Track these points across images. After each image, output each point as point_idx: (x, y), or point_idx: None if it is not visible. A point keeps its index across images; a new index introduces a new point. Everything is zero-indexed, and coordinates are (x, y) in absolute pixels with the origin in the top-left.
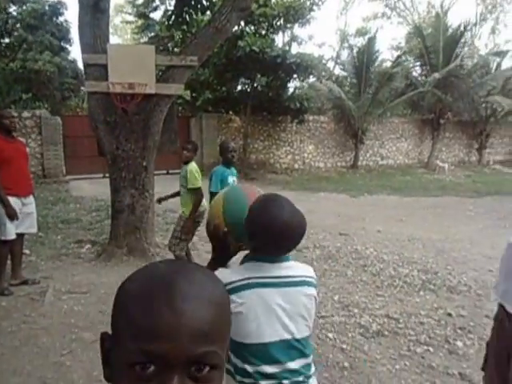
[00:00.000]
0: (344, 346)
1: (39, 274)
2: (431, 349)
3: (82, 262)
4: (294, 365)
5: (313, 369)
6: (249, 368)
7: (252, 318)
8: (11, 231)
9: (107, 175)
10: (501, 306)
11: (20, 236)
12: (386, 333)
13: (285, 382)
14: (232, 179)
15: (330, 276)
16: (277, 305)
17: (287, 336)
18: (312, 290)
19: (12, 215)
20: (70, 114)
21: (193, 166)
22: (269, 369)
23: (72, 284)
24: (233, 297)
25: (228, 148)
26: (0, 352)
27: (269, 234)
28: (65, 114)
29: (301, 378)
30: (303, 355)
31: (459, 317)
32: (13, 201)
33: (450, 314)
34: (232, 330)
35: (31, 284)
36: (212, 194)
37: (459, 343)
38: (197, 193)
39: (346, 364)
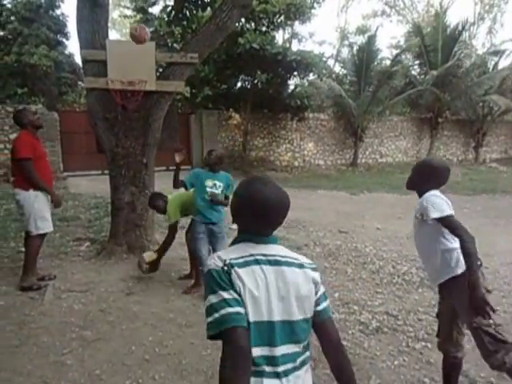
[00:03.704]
0: (344, 343)
1: (38, 271)
2: (429, 345)
3: (81, 260)
4: (285, 349)
5: (307, 354)
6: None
7: (255, 295)
8: (49, 224)
9: (106, 172)
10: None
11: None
12: (386, 329)
13: (278, 367)
14: (212, 183)
15: (330, 274)
16: (274, 283)
17: (281, 317)
18: (310, 273)
19: (59, 202)
20: (67, 110)
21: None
22: (258, 351)
23: (71, 282)
24: (237, 270)
25: (209, 152)
26: (0, 351)
27: (251, 209)
28: (62, 110)
29: (292, 365)
30: (296, 340)
31: None
32: (43, 196)
33: None
34: None
35: (48, 280)
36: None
37: None
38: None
39: None
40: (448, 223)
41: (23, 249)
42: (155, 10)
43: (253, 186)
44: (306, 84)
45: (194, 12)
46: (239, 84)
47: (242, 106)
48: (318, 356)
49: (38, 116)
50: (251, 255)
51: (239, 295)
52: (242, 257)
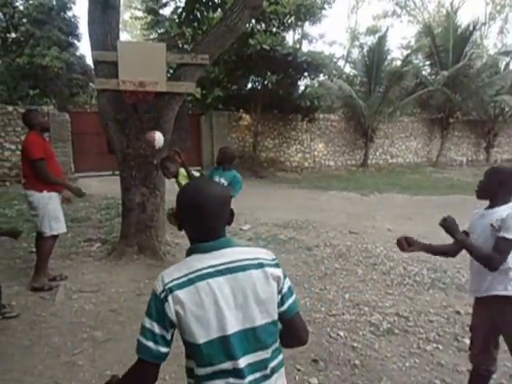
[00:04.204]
0: (355, 344)
1: (49, 272)
2: (440, 346)
3: (92, 261)
4: (250, 358)
5: (280, 358)
6: (203, 371)
7: (199, 315)
8: (63, 225)
9: (116, 173)
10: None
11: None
12: (397, 331)
13: (245, 378)
14: (218, 180)
15: (341, 274)
16: (224, 295)
17: (239, 327)
18: (270, 270)
19: (81, 193)
20: (78, 111)
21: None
22: (225, 366)
23: (82, 283)
24: (177, 293)
25: (219, 150)
26: (11, 352)
27: (185, 213)
28: (73, 111)
29: (262, 373)
30: (263, 347)
31: (468, 315)
32: (54, 196)
33: (458, 312)
34: (184, 331)
35: (59, 280)
36: None
37: (468, 341)
38: None
39: (357, 362)
40: None
41: (35, 249)
42: (166, 11)
43: (183, 190)
44: (317, 85)
45: (205, 13)
46: (249, 85)
47: (253, 106)
48: (328, 356)
49: (46, 119)
50: (197, 270)
51: (172, 325)
52: (186, 275)
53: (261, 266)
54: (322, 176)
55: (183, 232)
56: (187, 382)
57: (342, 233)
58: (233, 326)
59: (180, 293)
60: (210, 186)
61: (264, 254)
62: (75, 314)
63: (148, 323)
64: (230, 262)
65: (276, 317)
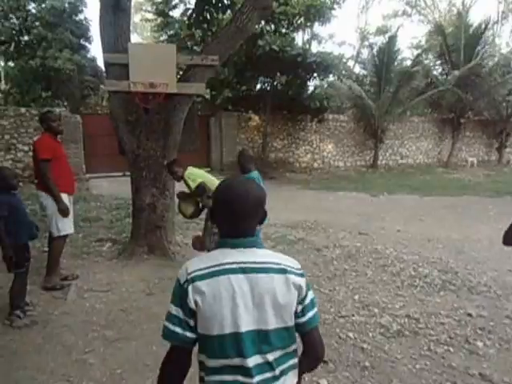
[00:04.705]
0: (365, 346)
1: (61, 271)
2: (452, 349)
3: (103, 261)
4: (259, 359)
5: (290, 363)
6: (213, 363)
7: (215, 308)
8: (68, 225)
9: (127, 174)
10: None
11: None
12: (407, 333)
13: (253, 377)
14: None
15: (350, 275)
16: (242, 292)
17: (252, 327)
18: (293, 278)
19: (65, 211)
20: (90, 113)
21: (185, 175)
22: (234, 362)
23: (94, 282)
24: (198, 284)
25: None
26: (24, 349)
27: (219, 209)
28: (84, 113)
29: (271, 374)
30: (273, 349)
31: (479, 317)
32: (64, 197)
33: (470, 315)
34: (200, 322)
35: (71, 279)
36: None
37: (479, 343)
38: (199, 188)
39: (367, 363)
40: None
41: (47, 249)
42: (176, 13)
43: (221, 187)
44: (326, 85)
45: (215, 15)
46: (259, 86)
47: (262, 107)
48: (338, 358)
49: (59, 123)
50: (220, 264)
51: (193, 314)
52: (209, 267)
53: (283, 271)
54: (331, 177)
55: (192, 232)
56: (199, 375)
57: (351, 234)
58: (246, 325)
59: (201, 284)
60: (247, 186)
61: (289, 262)
62: (86, 313)
63: (174, 310)
64: (253, 262)
65: (291, 323)
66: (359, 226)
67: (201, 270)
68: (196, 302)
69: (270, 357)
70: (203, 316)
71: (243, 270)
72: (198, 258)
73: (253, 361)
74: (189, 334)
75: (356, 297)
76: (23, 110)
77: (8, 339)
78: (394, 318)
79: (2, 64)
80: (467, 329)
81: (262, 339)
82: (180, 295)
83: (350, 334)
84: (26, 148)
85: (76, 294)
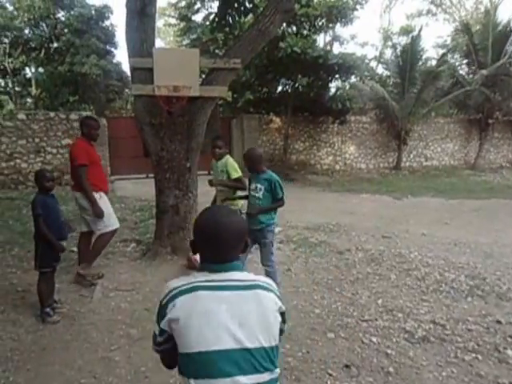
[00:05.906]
0: (388, 351)
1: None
2: (480, 357)
3: (127, 261)
4: (245, 380)
5: None
6: (194, 383)
7: (193, 324)
8: (116, 220)
9: (150, 175)
10: None
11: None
12: (432, 339)
13: None
14: (254, 186)
15: (373, 279)
16: (221, 309)
17: (234, 345)
18: (270, 295)
19: (99, 215)
20: (115, 116)
21: (229, 159)
22: (220, 383)
23: (119, 282)
24: (176, 301)
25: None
26: (53, 346)
27: (200, 236)
28: (109, 116)
29: None
30: (257, 370)
31: (509, 324)
32: (102, 195)
33: (499, 322)
34: (179, 339)
35: (97, 278)
36: None
37: (510, 352)
38: (240, 182)
39: (391, 369)
40: None
41: (75, 248)
42: (198, 17)
43: (202, 216)
44: (348, 87)
45: (237, 18)
46: (280, 88)
47: (283, 109)
48: (361, 362)
49: (97, 132)
50: (201, 281)
51: (171, 329)
52: (190, 283)
53: (268, 289)
54: (353, 179)
55: None
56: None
57: (374, 237)
58: (228, 342)
59: (180, 299)
60: (229, 219)
61: (271, 282)
62: (112, 312)
63: (156, 328)
64: (236, 280)
65: (275, 343)
66: (382, 229)
67: (182, 286)
68: (173, 320)
69: (253, 379)
70: (183, 332)
71: (226, 288)
72: (180, 277)
73: (237, 381)
74: (166, 346)
75: (379, 301)
76: (52, 114)
77: (39, 335)
78: (419, 324)
79: (33, 70)
80: (496, 336)
81: (247, 358)
82: (158, 313)
83: (374, 339)
84: (54, 151)
85: (101, 293)
